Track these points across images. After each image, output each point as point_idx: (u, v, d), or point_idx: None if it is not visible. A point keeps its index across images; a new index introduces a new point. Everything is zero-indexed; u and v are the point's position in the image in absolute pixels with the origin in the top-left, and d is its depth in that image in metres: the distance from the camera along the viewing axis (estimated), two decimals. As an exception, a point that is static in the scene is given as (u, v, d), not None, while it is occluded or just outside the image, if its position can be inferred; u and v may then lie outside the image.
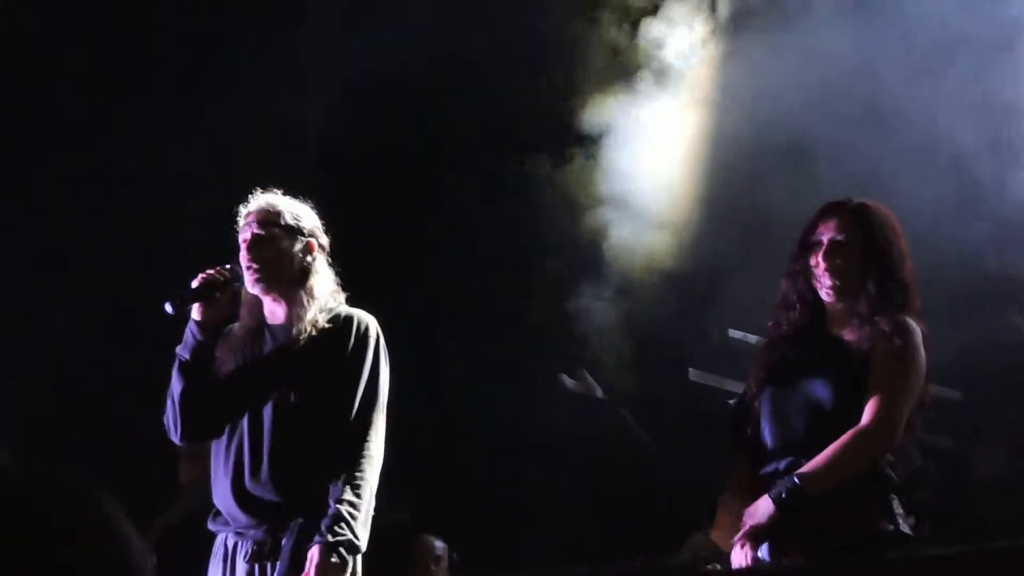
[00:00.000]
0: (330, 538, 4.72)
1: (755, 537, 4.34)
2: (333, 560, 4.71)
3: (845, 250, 4.52)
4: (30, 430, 7.73)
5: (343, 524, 4.74)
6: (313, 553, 4.71)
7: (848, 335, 4.47)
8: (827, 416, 4.37)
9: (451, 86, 9.04)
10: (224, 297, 5.00)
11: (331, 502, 4.76)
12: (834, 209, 4.61)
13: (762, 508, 4.34)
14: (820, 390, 4.41)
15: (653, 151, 9.02)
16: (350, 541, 4.75)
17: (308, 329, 4.95)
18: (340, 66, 8.72)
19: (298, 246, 5.03)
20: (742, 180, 8.58)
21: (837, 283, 4.50)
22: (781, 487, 4.33)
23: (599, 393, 8.98)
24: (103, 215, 8.49)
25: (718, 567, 4.92)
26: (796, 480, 4.28)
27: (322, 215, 5.19)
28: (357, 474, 4.81)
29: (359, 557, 4.87)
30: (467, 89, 9.00)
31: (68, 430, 8.03)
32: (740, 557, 4.35)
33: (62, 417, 8.15)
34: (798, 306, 4.60)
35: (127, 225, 8.41)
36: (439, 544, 8.59)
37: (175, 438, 5.06)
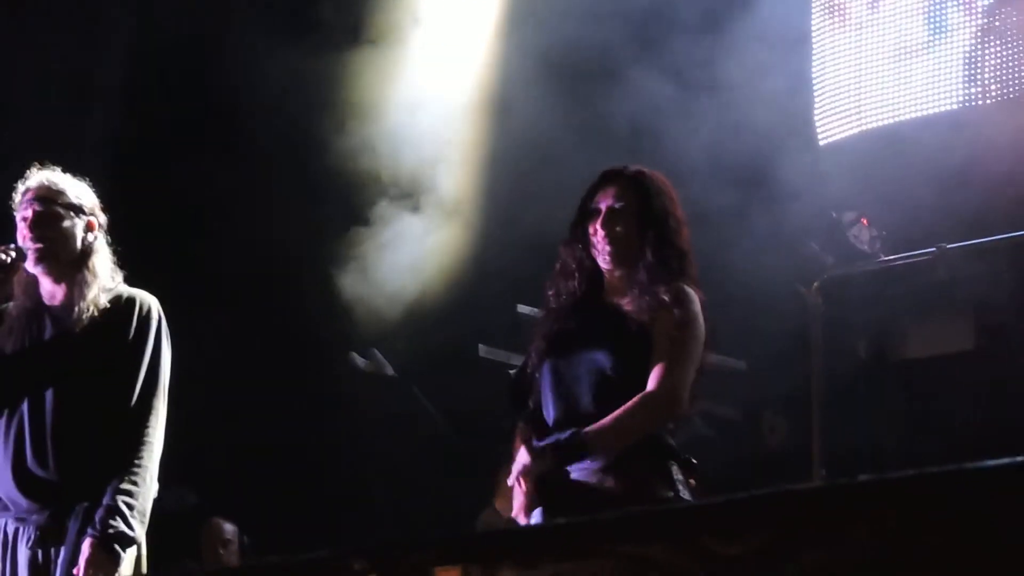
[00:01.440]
0: (103, 531, 4.64)
1: (527, 475, 4.36)
2: (106, 554, 4.64)
3: (623, 217, 4.55)
4: None
5: (117, 516, 4.66)
6: (85, 547, 4.64)
7: (627, 304, 4.48)
8: (609, 386, 4.38)
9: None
10: (8, 276, 4.91)
11: (107, 492, 4.69)
12: (612, 176, 4.63)
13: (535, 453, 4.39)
14: (601, 359, 4.42)
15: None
16: (123, 533, 4.67)
17: (89, 310, 4.87)
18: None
19: (80, 224, 4.95)
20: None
21: (615, 250, 4.52)
22: (560, 435, 4.35)
23: (389, 371, 8.98)
24: None
25: None
26: (579, 433, 4.31)
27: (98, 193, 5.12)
28: (136, 462, 4.75)
29: (142, 545, 4.81)
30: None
31: None
32: (518, 495, 4.36)
33: None
34: (577, 275, 4.60)
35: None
36: (229, 527, 8.54)
37: None
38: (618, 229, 4.52)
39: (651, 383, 4.33)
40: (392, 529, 8.83)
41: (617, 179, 4.60)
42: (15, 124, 8.30)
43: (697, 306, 4.48)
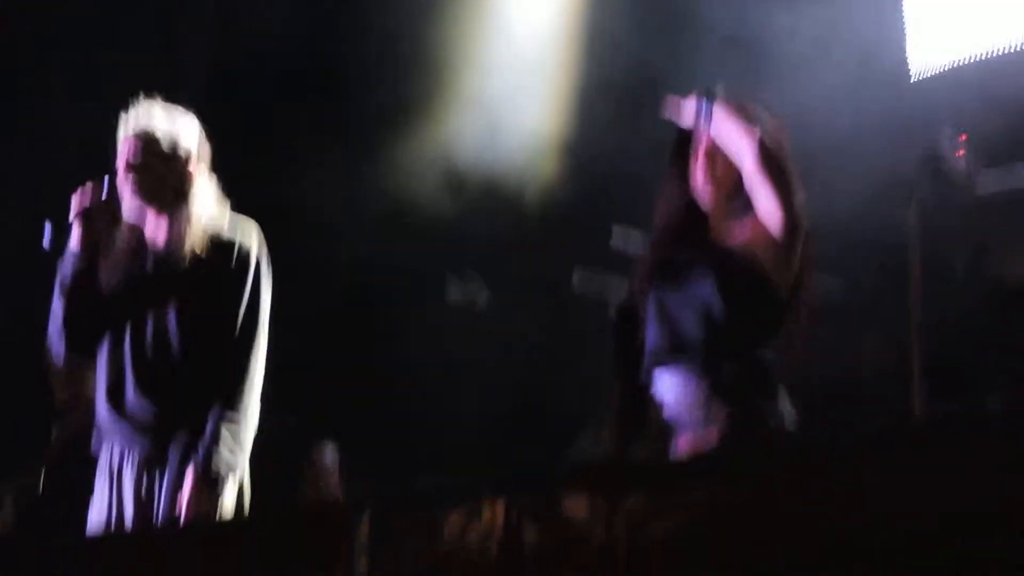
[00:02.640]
0: (205, 460, 4.71)
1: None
2: (208, 483, 4.71)
3: (721, 154, 4.52)
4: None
5: (219, 445, 4.73)
6: (188, 476, 4.71)
7: (732, 238, 4.46)
8: (714, 321, 4.36)
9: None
10: (102, 220, 4.97)
11: (209, 421, 4.76)
12: (708, 112, 4.58)
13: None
14: (707, 294, 4.39)
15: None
16: (225, 462, 4.74)
17: (191, 245, 4.92)
18: None
19: (176, 167, 4.99)
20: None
21: (715, 187, 4.52)
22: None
23: (485, 298, 9.00)
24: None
25: None
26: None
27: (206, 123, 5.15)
28: (237, 393, 4.81)
29: (244, 471, 4.87)
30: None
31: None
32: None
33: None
34: (679, 205, 4.61)
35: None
36: (330, 455, 8.61)
37: (59, 350, 5.02)
38: (718, 170, 4.50)
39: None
40: (490, 461, 8.86)
41: (714, 116, 4.55)
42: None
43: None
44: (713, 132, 4.47)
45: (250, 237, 5.01)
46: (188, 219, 4.96)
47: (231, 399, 4.80)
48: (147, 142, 4.97)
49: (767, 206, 4.35)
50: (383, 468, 8.50)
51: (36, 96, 8.49)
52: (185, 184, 4.99)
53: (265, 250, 5.03)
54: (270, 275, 5.03)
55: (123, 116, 5.03)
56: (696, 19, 8.54)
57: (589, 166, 9.01)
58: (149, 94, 5.08)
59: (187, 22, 9.42)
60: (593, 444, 7.70)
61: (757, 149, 4.36)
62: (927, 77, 8.76)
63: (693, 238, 4.56)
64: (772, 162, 4.36)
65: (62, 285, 4.97)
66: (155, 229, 5.01)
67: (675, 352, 4.39)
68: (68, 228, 4.96)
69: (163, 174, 4.97)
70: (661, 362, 4.42)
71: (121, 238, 5.04)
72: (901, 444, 2.25)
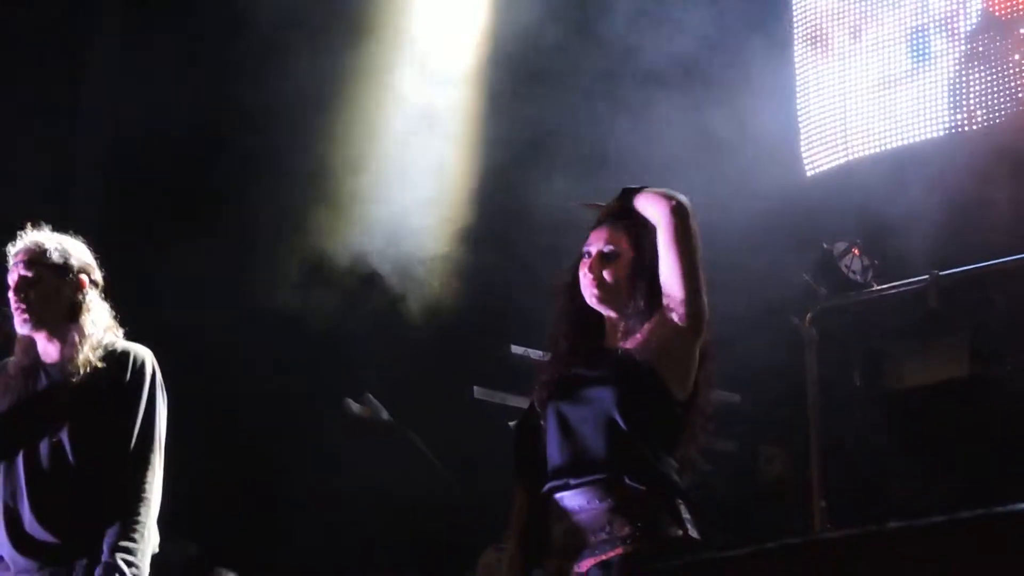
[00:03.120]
0: None
1: None
2: None
3: (614, 261, 4.53)
4: None
5: (116, 574, 4.65)
6: None
7: (627, 344, 4.45)
8: (617, 429, 4.33)
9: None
10: (1, 336, 4.93)
11: (105, 549, 4.68)
12: (604, 219, 4.61)
13: None
14: (608, 403, 4.36)
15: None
16: None
17: (83, 366, 4.88)
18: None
19: (67, 284, 4.97)
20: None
21: (603, 294, 4.51)
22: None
23: (385, 416, 8.95)
24: None
25: None
26: None
27: (98, 251, 5.13)
28: (133, 517, 4.74)
29: None
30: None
31: None
32: None
33: None
34: (574, 318, 4.60)
35: None
36: (232, 576, 8.49)
37: None
38: (605, 274, 4.50)
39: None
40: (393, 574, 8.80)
41: (609, 223, 4.57)
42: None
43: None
44: (636, 203, 4.48)
45: (144, 353, 4.98)
46: (79, 338, 4.93)
47: (127, 524, 4.72)
48: (38, 255, 4.96)
49: (674, 283, 4.36)
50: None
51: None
52: (78, 297, 4.97)
53: (159, 372, 4.98)
54: (165, 396, 4.97)
55: (11, 245, 5.00)
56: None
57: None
58: (37, 224, 5.05)
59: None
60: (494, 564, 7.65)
61: (673, 219, 4.38)
62: (821, 172, 8.91)
63: (589, 347, 4.54)
64: (686, 235, 4.38)
65: None
66: (47, 347, 4.97)
67: (577, 470, 4.36)
68: None
69: (56, 286, 4.95)
70: (563, 482, 4.38)
71: (14, 358, 5.01)
72: (806, 560, 2.24)
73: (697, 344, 4.41)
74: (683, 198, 4.44)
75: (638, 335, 4.42)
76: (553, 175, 8.48)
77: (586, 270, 4.52)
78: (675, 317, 4.36)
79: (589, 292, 4.51)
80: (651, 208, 4.46)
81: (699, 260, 4.41)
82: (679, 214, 4.40)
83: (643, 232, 4.51)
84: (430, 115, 9.21)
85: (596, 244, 4.54)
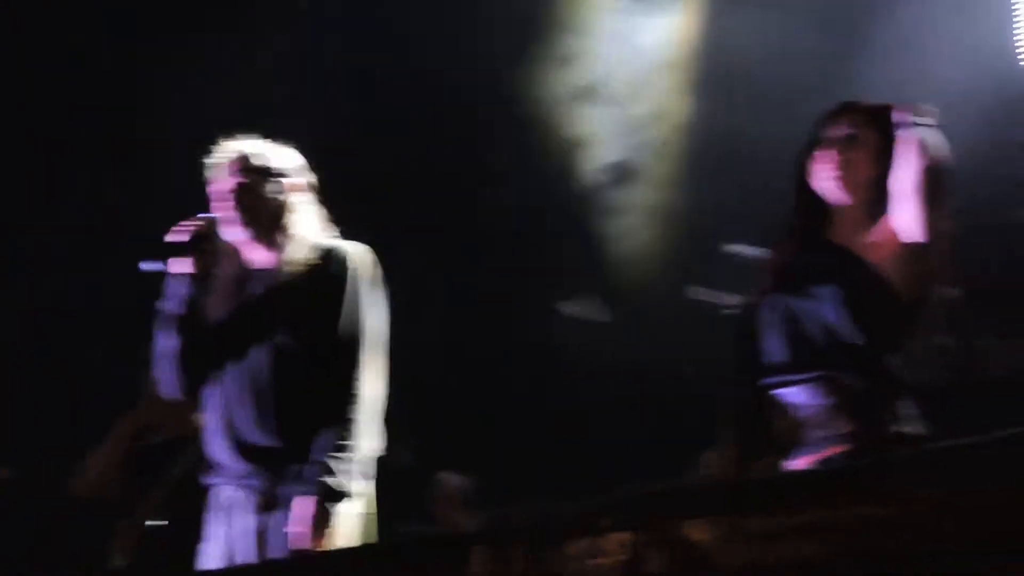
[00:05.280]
0: (313, 489, 4.63)
1: None
2: (318, 512, 4.62)
3: (855, 146, 4.46)
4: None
5: (326, 473, 4.64)
6: (296, 507, 4.64)
7: (858, 243, 4.37)
8: (842, 333, 4.28)
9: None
10: (210, 247, 4.97)
11: (317, 450, 4.67)
12: (848, 107, 4.52)
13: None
14: (833, 306, 4.30)
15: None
16: (332, 490, 4.64)
17: (294, 268, 4.91)
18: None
19: (276, 188, 5.00)
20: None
21: (844, 175, 4.43)
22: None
23: (602, 316, 8.97)
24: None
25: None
26: None
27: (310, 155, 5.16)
28: (346, 417, 4.71)
29: (365, 501, 4.77)
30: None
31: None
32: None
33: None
34: (804, 208, 4.53)
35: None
36: (457, 482, 8.58)
37: (173, 393, 5.00)
38: (850, 156, 4.42)
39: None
40: (611, 480, 8.81)
41: (853, 110, 4.48)
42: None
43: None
44: (901, 138, 4.36)
45: (360, 252, 4.98)
46: (290, 241, 4.96)
47: (339, 424, 4.70)
48: (245, 161, 5.00)
49: (912, 219, 4.26)
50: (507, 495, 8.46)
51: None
52: (286, 204, 5.00)
53: (379, 271, 4.98)
54: (383, 295, 4.98)
55: (216, 152, 5.07)
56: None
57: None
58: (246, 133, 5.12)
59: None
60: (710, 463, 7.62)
61: (924, 164, 4.27)
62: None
63: (818, 237, 4.48)
64: (933, 179, 4.27)
65: (172, 321, 4.96)
66: (258, 253, 5.00)
67: (797, 367, 4.32)
68: (171, 265, 4.96)
69: (262, 195, 4.98)
70: (783, 378, 4.35)
71: (225, 267, 5.04)
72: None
73: (929, 264, 4.30)
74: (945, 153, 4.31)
75: (868, 231, 4.35)
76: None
77: (824, 153, 4.45)
78: (913, 242, 4.27)
79: (825, 176, 4.44)
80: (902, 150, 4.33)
81: (945, 193, 4.30)
82: (928, 165, 4.28)
83: (887, 130, 4.40)
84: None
85: (837, 129, 4.46)
